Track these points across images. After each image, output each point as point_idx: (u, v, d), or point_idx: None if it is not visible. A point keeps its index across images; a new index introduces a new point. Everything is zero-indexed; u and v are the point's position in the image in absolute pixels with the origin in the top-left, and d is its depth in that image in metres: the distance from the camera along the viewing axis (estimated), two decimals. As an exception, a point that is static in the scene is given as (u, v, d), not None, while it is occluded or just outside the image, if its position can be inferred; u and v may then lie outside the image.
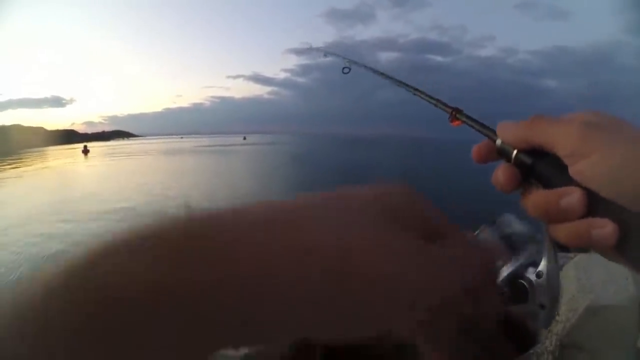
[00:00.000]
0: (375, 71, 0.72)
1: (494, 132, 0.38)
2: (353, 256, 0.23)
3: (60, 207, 13.05)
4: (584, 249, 0.35)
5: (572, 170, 0.31)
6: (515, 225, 0.44)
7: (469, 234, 0.39)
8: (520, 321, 0.42)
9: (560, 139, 0.32)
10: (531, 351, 0.61)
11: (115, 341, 0.19)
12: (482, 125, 0.42)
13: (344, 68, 0.88)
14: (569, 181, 0.32)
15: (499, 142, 0.37)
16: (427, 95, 0.56)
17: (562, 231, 0.32)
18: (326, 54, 1.08)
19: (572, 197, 0.31)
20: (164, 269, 0.20)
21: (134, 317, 0.19)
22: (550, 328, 0.63)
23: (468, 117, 0.45)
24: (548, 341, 0.62)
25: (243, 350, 0.41)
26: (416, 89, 0.58)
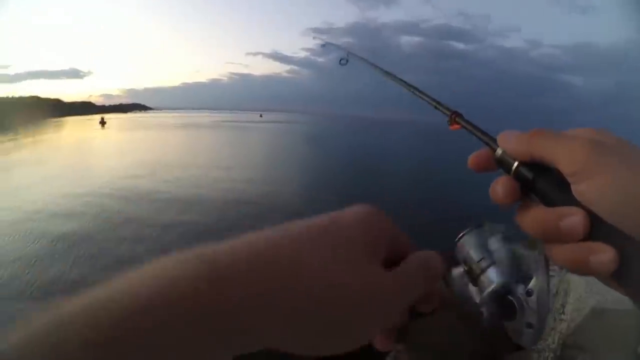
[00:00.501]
0: (374, 66, 0.70)
1: (494, 140, 0.36)
2: (324, 285, 0.25)
3: (73, 176, 13.32)
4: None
5: (575, 190, 0.30)
6: (506, 234, 0.43)
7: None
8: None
9: (565, 156, 0.31)
10: (532, 347, 0.61)
11: None
12: (482, 132, 0.40)
13: (341, 59, 0.88)
14: (571, 201, 0.30)
15: (499, 152, 0.36)
16: (427, 96, 0.54)
17: (559, 253, 0.30)
18: (325, 44, 1.08)
19: (573, 219, 0.29)
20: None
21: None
22: (554, 326, 0.63)
23: (468, 122, 0.43)
24: (550, 339, 0.62)
25: None
26: (415, 89, 0.56)
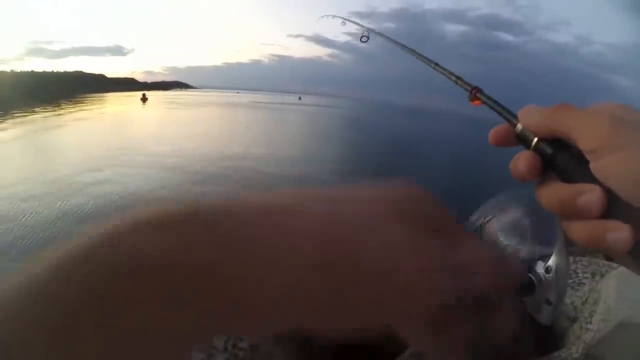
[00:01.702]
0: (393, 41, 0.70)
1: (515, 116, 0.37)
2: (358, 249, 0.24)
3: (114, 150, 13.89)
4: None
5: (594, 167, 0.30)
6: (526, 214, 0.42)
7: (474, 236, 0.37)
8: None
9: (585, 132, 0.31)
10: (555, 354, 0.61)
11: (116, 321, 0.21)
12: (503, 107, 0.40)
13: (361, 37, 0.87)
14: (589, 178, 0.30)
15: (519, 127, 0.36)
16: (446, 71, 0.54)
17: (576, 229, 0.31)
18: (344, 22, 1.08)
19: (590, 195, 0.29)
20: (168, 251, 0.22)
21: (138, 294, 0.21)
22: (579, 335, 0.62)
23: (489, 97, 0.43)
24: (575, 348, 0.61)
25: (244, 343, 0.43)
26: (436, 64, 0.56)
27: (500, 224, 0.42)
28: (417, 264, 0.25)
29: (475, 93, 0.45)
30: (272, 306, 0.23)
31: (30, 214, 7.58)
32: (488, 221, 0.43)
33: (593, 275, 0.81)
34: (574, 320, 0.70)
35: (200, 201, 0.26)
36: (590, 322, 0.63)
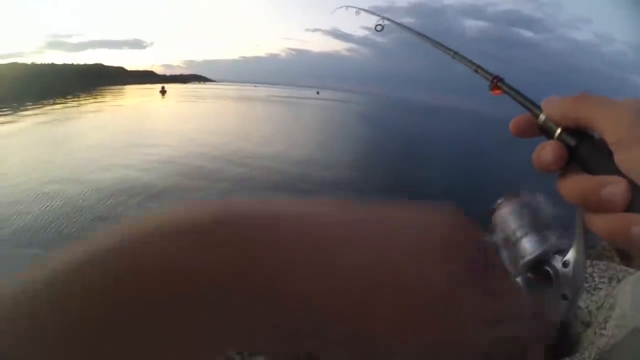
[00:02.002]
0: (410, 30, 0.68)
1: (537, 106, 0.36)
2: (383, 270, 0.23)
3: (133, 141, 14.11)
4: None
5: (618, 159, 0.29)
6: (543, 205, 0.41)
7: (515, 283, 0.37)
8: (563, 326, 0.40)
9: (610, 122, 0.30)
10: (567, 359, 0.60)
11: (133, 326, 0.21)
12: (525, 97, 0.39)
13: (376, 26, 0.86)
14: (613, 170, 0.29)
15: (542, 117, 0.35)
16: (467, 60, 0.53)
17: (598, 222, 0.30)
18: (358, 11, 1.06)
19: (615, 188, 0.28)
20: (188, 256, 0.21)
21: (163, 301, 0.21)
22: (593, 340, 0.61)
23: (510, 87, 0.42)
24: (587, 353, 0.60)
25: (260, 357, 0.42)
26: (455, 52, 0.55)
27: (513, 210, 0.41)
28: (468, 307, 0.24)
29: (496, 82, 0.44)
30: (296, 319, 0.22)
31: (48, 204, 7.76)
32: (500, 206, 0.42)
33: (610, 280, 0.79)
34: (588, 325, 0.68)
35: (228, 204, 0.25)
36: (605, 328, 0.62)
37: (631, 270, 0.77)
